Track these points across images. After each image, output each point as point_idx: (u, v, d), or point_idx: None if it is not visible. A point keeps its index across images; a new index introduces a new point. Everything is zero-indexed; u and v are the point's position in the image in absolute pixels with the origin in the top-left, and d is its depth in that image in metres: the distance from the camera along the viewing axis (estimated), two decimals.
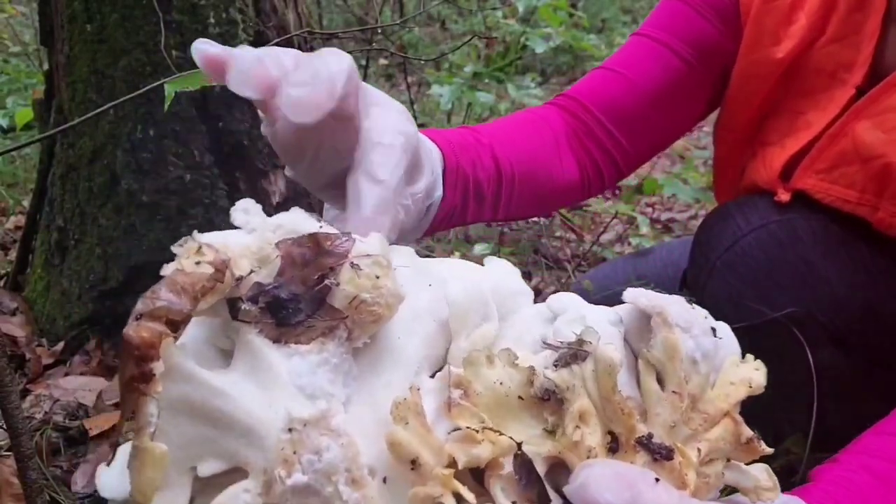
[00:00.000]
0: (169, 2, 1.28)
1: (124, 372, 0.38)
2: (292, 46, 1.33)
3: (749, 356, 0.51)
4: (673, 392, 0.47)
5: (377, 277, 0.45)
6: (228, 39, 1.33)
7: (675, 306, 0.49)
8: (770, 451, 0.49)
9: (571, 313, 0.50)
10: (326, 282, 0.44)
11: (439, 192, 0.72)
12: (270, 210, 0.50)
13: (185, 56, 1.31)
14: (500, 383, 0.44)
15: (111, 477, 0.44)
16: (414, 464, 0.41)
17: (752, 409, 0.50)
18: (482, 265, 0.56)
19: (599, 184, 1.10)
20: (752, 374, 0.50)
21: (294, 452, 0.40)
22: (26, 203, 1.94)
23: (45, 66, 1.53)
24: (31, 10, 3.74)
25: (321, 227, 0.48)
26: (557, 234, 2.46)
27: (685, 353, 0.47)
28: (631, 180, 2.68)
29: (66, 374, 1.31)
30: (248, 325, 0.43)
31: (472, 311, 0.50)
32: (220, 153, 1.34)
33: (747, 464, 0.50)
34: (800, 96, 1.00)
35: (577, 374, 0.45)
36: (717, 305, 0.94)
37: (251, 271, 0.45)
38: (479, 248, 2.02)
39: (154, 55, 1.29)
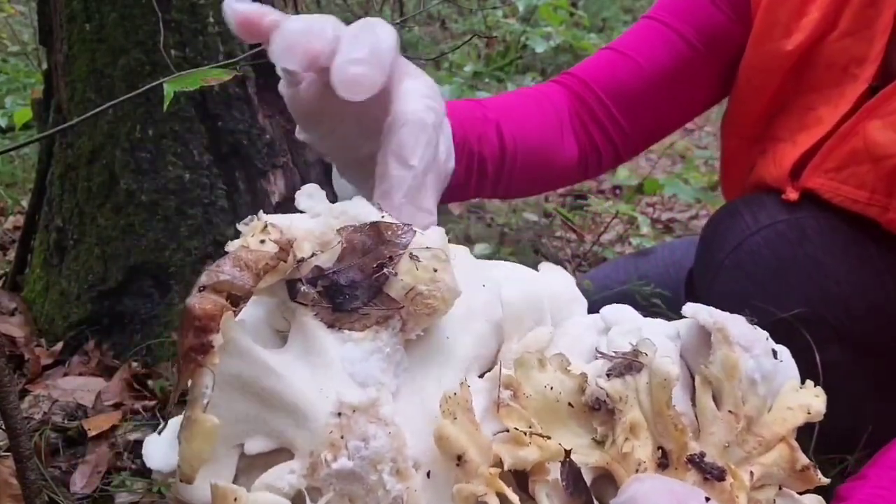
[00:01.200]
0: (168, 1, 1.28)
1: (183, 342, 0.38)
2: None
3: (809, 382, 0.50)
4: (729, 412, 0.46)
5: (435, 271, 0.45)
6: (228, 39, 1.33)
7: (737, 324, 0.48)
8: (826, 481, 0.48)
9: (627, 324, 0.49)
10: (385, 270, 0.44)
11: (452, 165, 0.68)
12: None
13: (184, 55, 1.30)
14: (551, 388, 0.44)
15: (158, 448, 0.44)
16: (460, 460, 0.40)
17: None
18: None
19: (597, 166, 1.09)
20: (812, 401, 0.48)
21: (341, 437, 0.40)
22: (25, 203, 1.93)
23: (44, 66, 1.52)
24: (29, 10, 3.73)
25: (383, 216, 0.48)
26: (557, 234, 2.45)
27: (744, 372, 0.46)
28: (632, 180, 2.67)
29: (65, 375, 1.31)
30: (305, 308, 0.44)
31: (527, 315, 0.49)
32: (219, 153, 1.34)
33: (800, 493, 0.48)
34: (810, 91, 0.99)
35: (630, 385, 0.45)
36: (724, 304, 0.94)
37: (312, 254, 0.45)
38: (479, 248, 2.00)
39: (153, 54, 1.28)
